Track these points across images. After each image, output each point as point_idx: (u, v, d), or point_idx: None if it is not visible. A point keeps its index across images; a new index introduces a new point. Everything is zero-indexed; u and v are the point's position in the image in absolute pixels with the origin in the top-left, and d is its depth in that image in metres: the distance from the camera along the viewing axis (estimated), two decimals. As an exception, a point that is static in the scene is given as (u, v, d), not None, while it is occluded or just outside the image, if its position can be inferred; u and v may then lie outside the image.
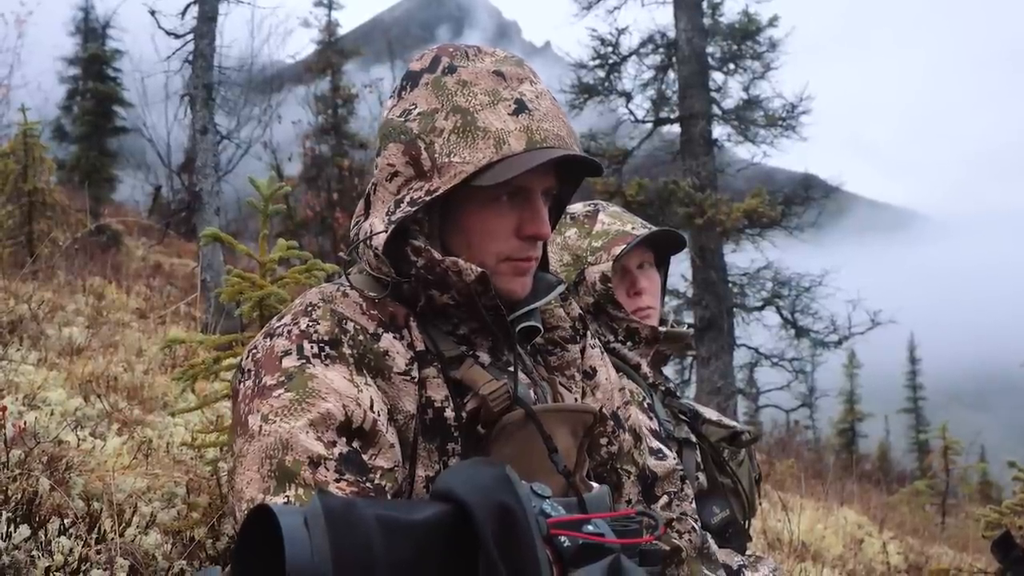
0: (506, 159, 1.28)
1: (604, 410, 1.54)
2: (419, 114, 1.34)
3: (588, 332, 1.60)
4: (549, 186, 1.39)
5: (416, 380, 1.31)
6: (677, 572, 1.54)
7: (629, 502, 1.55)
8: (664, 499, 1.59)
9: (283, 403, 1.19)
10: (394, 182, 1.35)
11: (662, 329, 2.21)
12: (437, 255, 1.32)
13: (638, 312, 2.21)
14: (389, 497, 1.18)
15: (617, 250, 2.16)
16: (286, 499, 1.10)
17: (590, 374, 1.56)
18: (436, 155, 1.30)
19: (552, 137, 1.32)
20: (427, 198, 1.31)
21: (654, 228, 2.23)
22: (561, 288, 1.47)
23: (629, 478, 1.57)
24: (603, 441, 1.54)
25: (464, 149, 1.29)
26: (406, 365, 1.31)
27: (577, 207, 2.29)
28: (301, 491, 1.11)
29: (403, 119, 1.35)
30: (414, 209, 1.31)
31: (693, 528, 1.59)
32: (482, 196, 1.34)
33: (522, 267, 1.38)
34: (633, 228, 2.20)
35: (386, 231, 1.33)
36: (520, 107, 1.32)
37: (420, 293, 1.35)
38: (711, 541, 1.79)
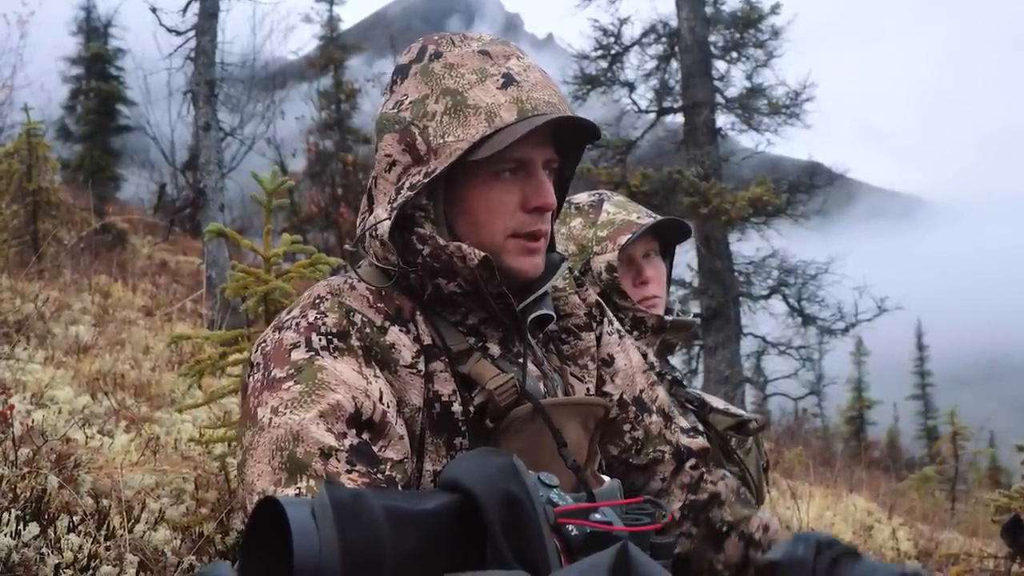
0: (499, 131, 1.28)
1: (625, 396, 1.54)
2: (411, 103, 1.34)
3: (605, 319, 1.58)
4: (549, 157, 1.38)
5: (422, 373, 1.31)
6: (721, 513, 1.52)
7: (664, 479, 1.55)
8: (695, 474, 1.58)
9: (293, 395, 1.18)
10: (393, 171, 1.35)
11: (668, 318, 2.20)
12: (442, 241, 1.31)
13: (644, 301, 2.20)
14: (399, 489, 1.18)
15: (623, 240, 2.15)
16: (298, 491, 1.10)
17: (608, 361, 1.55)
18: (431, 138, 1.30)
19: (543, 105, 1.31)
20: (425, 180, 1.30)
21: (659, 217, 2.22)
22: (566, 265, 1.46)
23: (665, 457, 1.56)
24: (626, 428, 1.54)
25: (457, 128, 1.29)
26: (412, 358, 1.31)
27: (582, 197, 2.28)
28: (313, 482, 1.10)
29: (396, 110, 1.36)
30: (414, 192, 1.31)
31: (726, 475, 1.58)
32: (484, 174, 1.33)
33: (530, 245, 1.36)
34: (638, 217, 2.19)
35: (389, 218, 1.33)
36: (508, 80, 1.32)
37: (427, 282, 1.35)
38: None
